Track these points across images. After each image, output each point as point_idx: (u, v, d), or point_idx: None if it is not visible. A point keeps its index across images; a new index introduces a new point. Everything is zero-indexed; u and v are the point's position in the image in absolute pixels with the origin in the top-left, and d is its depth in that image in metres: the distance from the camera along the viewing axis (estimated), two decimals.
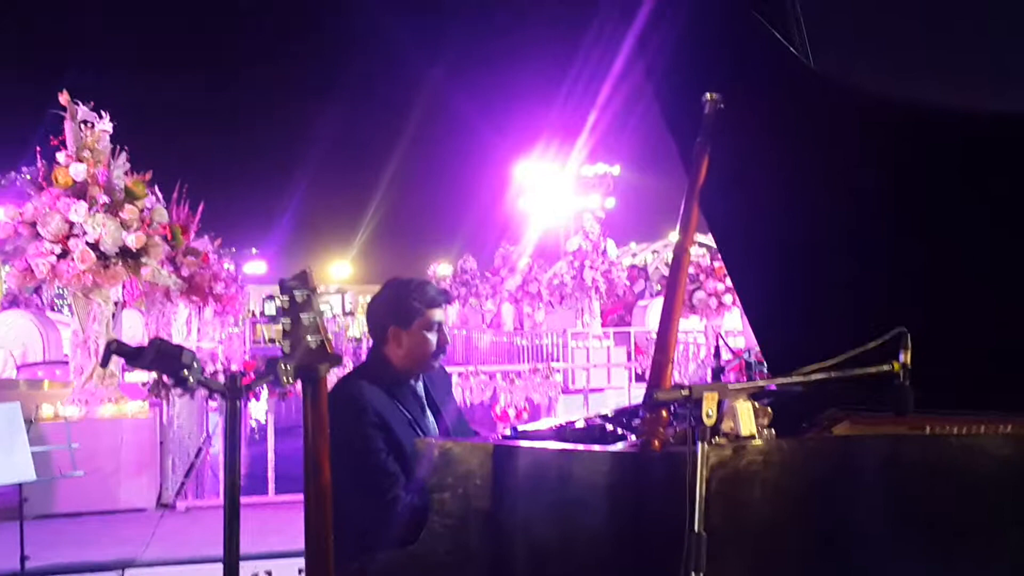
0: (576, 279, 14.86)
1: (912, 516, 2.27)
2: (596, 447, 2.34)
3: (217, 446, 8.14)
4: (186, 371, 1.78)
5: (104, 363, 1.76)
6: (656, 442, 2.24)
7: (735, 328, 11.91)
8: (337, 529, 2.96)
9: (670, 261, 2.50)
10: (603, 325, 15.82)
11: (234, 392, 1.87)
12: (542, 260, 19.32)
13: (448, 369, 5.00)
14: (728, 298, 10.49)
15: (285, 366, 1.98)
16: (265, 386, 6.80)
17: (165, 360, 1.74)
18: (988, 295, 2.95)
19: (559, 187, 24.06)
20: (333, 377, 2.29)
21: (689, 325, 11.92)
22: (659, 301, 13.53)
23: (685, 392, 2.06)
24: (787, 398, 3.13)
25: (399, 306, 3.07)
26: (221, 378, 5.99)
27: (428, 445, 2.43)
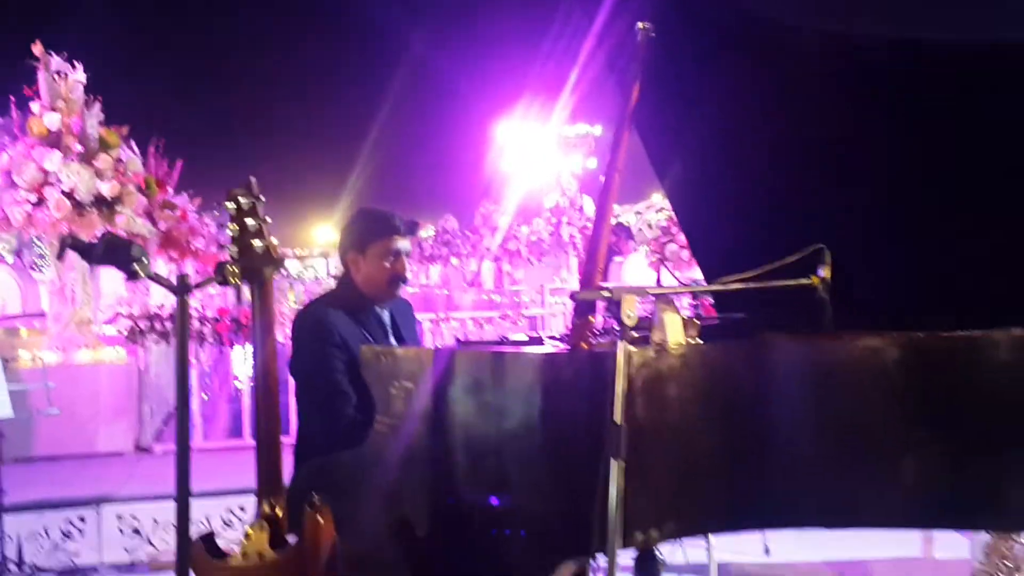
0: (554, 235, 15.01)
1: (823, 415, 2.45)
2: (528, 349, 2.50)
3: (195, 400, 8.28)
4: (135, 264, 1.92)
5: (60, 256, 1.90)
6: (584, 345, 2.41)
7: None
8: (298, 442, 3.14)
9: (602, 182, 2.64)
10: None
11: (183, 289, 2.01)
12: (521, 219, 19.45)
13: (420, 316, 5.14)
14: None
15: (232, 268, 2.13)
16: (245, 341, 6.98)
17: (115, 252, 1.88)
18: (918, 219, 3.10)
19: (540, 147, 24.12)
20: None
21: (666, 280, 12.04)
22: (635, 257, 13.69)
23: (607, 293, 2.22)
24: (724, 325, 3.31)
25: (357, 231, 3.20)
26: (196, 324, 6.10)
27: (374, 352, 2.59)
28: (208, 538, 2.30)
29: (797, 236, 3.22)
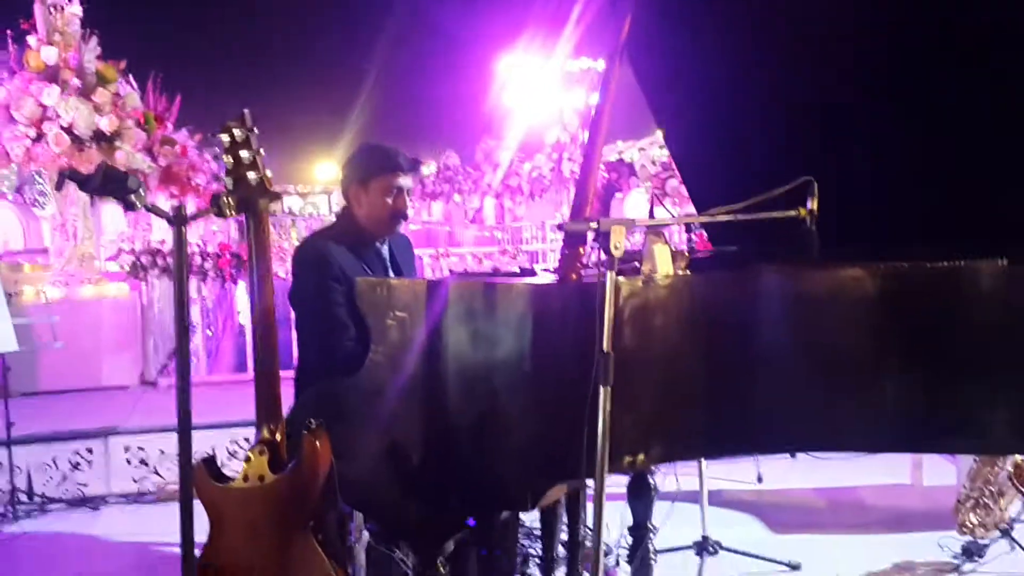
0: (555, 171, 14.95)
1: (808, 342, 2.51)
2: (519, 280, 2.56)
3: (199, 336, 8.38)
4: (132, 195, 1.96)
5: (58, 187, 1.94)
6: (573, 276, 2.46)
7: None
8: (298, 372, 3.20)
9: (593, 114, 2.67)
10: None
11: (179, 219, 2.06)
12: (523, 155, 19.33)
13: (419, 251, 5.16)
14: None
15: (228, 200, 2.17)
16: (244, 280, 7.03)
17: (112, 183, 1.93)
18: (909, 154, 3.13)
19: (543, 83, 23.87)
20: None
21: (659, 213, 12.09)
22: (636, 193, 13.67)
23: (594, 225, 2.26)
24: (713, 257, 3.37)
25: (360, 166, 3.23)
26: (198, 259, 6.15)
27: (370, 283, 2.65)
28: (210, 461, 2.38)
29: (790, 171, 3.27)
